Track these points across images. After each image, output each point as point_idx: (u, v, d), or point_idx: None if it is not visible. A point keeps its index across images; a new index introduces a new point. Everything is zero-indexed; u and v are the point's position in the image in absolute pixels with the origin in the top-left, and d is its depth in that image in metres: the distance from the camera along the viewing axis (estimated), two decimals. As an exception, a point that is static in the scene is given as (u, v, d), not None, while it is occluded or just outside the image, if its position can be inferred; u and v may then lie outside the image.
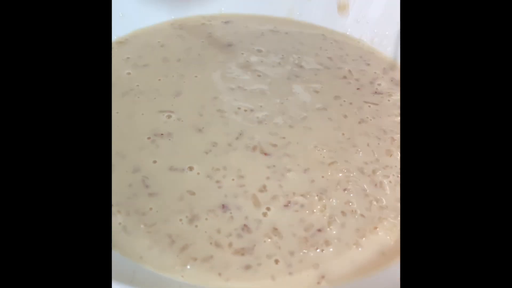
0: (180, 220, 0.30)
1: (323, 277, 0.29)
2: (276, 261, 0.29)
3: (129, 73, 0.41)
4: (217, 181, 0.32)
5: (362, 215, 0.32)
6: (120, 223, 0.30)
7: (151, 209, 0.30)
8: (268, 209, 0.31)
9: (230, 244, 0.29)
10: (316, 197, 0.32)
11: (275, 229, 0.30)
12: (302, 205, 0.32)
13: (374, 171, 0.35)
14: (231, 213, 0.31)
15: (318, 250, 0.30)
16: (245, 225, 0.30)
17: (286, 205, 0.32)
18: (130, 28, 0.46)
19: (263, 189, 0.32)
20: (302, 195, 0.32)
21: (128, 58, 0.43)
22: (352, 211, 0.32)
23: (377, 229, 0.31)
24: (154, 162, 0.33)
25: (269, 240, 0.30)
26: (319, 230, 0.31)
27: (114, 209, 0.30)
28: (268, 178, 0.33)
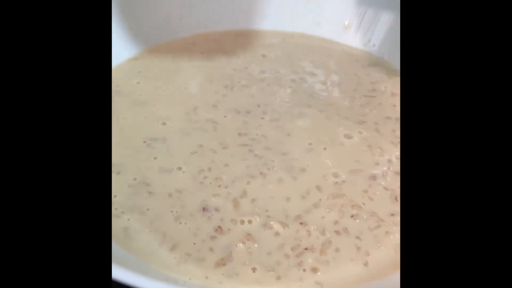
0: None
1: None
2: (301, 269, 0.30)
3: (138, 82, 0.44)
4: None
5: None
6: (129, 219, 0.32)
7: (148, 209, 0.32)
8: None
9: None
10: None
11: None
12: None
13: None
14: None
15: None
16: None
17: (301, 224, 0.32)
18: (145, 45, 0.49)
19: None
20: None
21: (138, 72, 0.45)
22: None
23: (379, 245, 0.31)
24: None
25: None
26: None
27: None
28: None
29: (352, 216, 0.32)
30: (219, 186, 0.34)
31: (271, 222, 0.32)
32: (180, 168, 0.35)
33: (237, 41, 0.51)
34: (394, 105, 0.42)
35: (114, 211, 0.32)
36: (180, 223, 0.31)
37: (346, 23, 0.51)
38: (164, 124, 0.39)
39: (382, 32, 0.50)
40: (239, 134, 0.38)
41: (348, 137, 0.39)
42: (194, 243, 0.30)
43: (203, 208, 0.32)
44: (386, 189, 0.34)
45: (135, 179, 0.34)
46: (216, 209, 0.32)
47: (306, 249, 0.30)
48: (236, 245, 0.30)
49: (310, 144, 0.38)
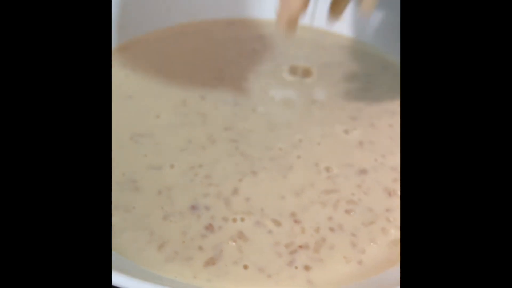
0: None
1: None
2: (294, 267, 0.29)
3: (125, 75, 0.42)
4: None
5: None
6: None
7: (134, 208, 0.31)
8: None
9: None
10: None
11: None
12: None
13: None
14: None
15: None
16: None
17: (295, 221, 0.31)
18: (131, 34, 0.47)
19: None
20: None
21: (125, 64, 0.44)
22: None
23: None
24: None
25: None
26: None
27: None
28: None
29: (346, 211, 0.32)
30: (210, 184, 0.33)
31: (265, 220, 0.31)
32: (172, 166, 0.34)
33: (227, 30, 0.50)
34: (391, 99, 0.42)
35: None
36: (171, 221, 0.31)
37: None
38: (153, 118, 0.38)
39: (378, 22, 0.48)
40: (229, 128, 0.37)
41: (342, 131, 0.38)
42: (184, 242, 0.29)
43: (193, 206, 0.31)
44: (379, 183, 0.34)
45: (123, 174, 0.33)
46: (207, 207, 0.31)
47: (300, 247, 0.30)
48: (227, 244, 0.29)
49: (301, 138, 0.37)
